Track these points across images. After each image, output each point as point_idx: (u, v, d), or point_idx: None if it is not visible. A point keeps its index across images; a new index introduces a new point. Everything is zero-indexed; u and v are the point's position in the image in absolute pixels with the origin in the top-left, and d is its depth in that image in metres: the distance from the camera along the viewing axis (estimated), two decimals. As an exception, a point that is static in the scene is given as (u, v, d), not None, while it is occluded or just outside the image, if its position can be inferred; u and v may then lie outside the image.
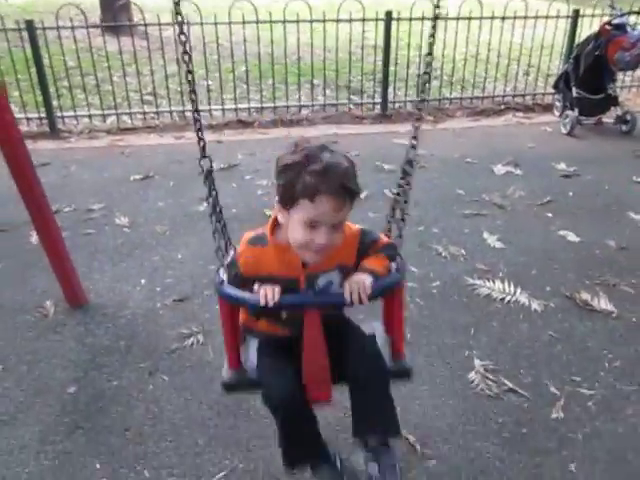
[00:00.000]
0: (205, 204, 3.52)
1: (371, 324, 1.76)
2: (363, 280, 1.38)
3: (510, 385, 2.22)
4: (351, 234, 1.48)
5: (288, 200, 1.34)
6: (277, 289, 1.35)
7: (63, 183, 4.30)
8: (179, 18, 1.48)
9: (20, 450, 1.94)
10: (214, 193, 1.55)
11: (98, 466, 1.87)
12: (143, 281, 2.96)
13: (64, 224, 3.49)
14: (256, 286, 1.38)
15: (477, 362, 2.34)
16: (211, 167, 1.51)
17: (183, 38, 1.49)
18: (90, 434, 2.00)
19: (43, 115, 5.64)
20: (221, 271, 1.48)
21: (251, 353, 1.62)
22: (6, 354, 2.41)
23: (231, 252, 1.58)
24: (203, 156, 1.51)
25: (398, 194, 1.65)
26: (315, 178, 1.28)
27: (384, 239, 1.57)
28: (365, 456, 1.60)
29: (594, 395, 2.18)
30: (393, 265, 1.50)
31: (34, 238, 3.34)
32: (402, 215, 1.60)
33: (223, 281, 1.45)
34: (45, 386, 2.23)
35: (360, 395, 1.51)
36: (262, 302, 1.33)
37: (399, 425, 1.55)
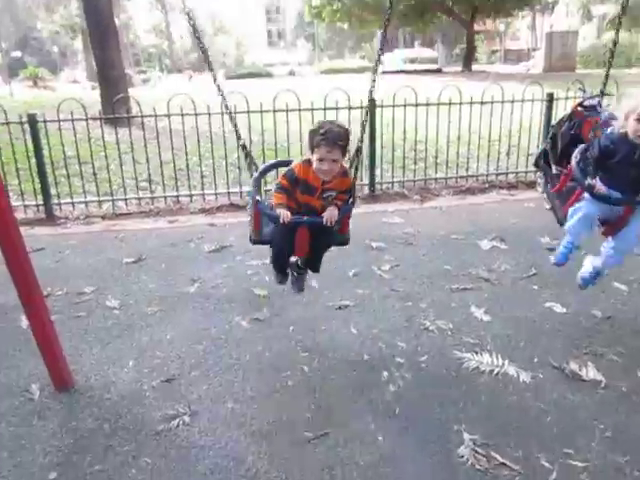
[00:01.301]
0: (196, 285, 3.60)
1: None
2: (335, 214, 2.59)
3: (500, 459, 2.18)
4: (350, 181, 2.71)
5: (311, 147, 2.55)
6: (288, 214, 2.54)
7: (56, 267, 4.36)
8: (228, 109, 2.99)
9: (-5, 541, 1.87)
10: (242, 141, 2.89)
11: None
12: (131, 362, 2.95)
13: (55, 307, 3.55)
14: (278, 210, 2.56)
15: (466, 436, 2.31)
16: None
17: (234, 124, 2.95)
18: (69, 522, 1.94)
19: (40, 202, 5.81)
20: (253, 191, 2.82)
21: (265, 228, 2.86)
22: (-12, 440, 2.37)
23: (290, 166, 2.70)
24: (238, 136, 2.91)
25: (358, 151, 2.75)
26: (320, 137, 2.48)
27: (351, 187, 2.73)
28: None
29: (587, 467, 2.14)
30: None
31: (24, 322, 3.36)
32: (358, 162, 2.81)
33: (259, 200, 2.74)
34: (26, 472, 2.18)
35: (313, 250, 2.80)
36: (281, 220, 2.54)
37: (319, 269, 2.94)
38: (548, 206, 5.71)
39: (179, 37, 61.76)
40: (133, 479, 2.13)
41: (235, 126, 2.89)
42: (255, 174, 2.85)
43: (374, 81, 2.81)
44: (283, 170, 2.75)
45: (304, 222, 2.59)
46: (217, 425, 2.43)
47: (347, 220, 2.85)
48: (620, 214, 2.99)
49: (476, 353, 2.95)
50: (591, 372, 2.75)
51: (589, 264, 3.19)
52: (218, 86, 2.89)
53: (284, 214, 2.52)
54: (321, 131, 2.48)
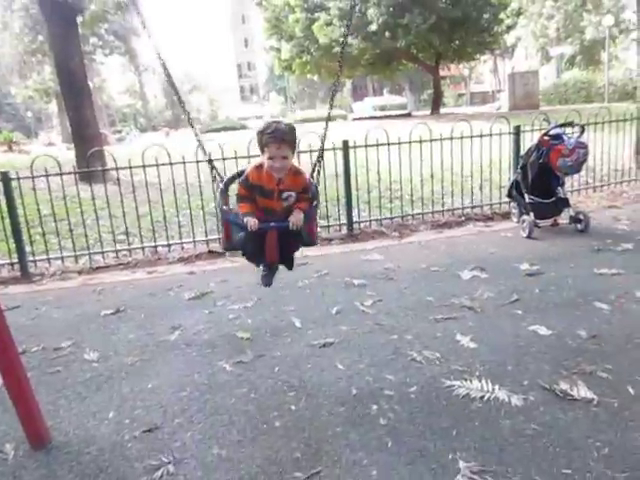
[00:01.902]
0: (177, 332, 3.55)
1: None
2: (300, 217, 2.74)
3: (499, 485, 2.11)
4: (304, 179, 2.80)
5: (260, 148, 2.67)
6: (255, 221, 2.69)
7: (32, 324, 4.24)
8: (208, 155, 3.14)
9: None
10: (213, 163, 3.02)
11: None
12: (111, 414, 2.83)
13: (31, 364, 3.43)
14: (245, 218, 2.69)
15: (462, 464, 2.24)
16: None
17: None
18: None
19: (15, 261, 5.70)
20: (220, 202, 2.97)
21: (234, 232, 2.95)
22: (-42, 506, 2.23)
23: (243, 175, 2.83)
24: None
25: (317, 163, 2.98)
26: (268, 136, 2.60)
27: (309, 189, 2.84)
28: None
29: (587, 487, 2.08)
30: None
31: (-2, 381, 3.24)
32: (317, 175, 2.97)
33: (224, 210, 2.94)
34: (-1, 537, 2.04)
35: (282, 253, 2.98)
36: (249, 228, 2.69)
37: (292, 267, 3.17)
38: (525, 234, 5.82)
39: (153, 96, 62.90)
40: (115, 535, 2.00)
41: (202, 147, 3.15)
42: (220, 186, 2.98)
43: (325, 127, 2.96)
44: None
45: (271, 228, 2.75)
46: (203, 473, 2.32)
47: (314, 222, 3.05)
48: None
49: (465, 380, 2.90)
50: (582, 391, 2.71)
51: None
52: (196, 134, 3.13)
53: (251, 222, 2.66)
54: (268, 130, 2.58)
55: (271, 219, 2.76)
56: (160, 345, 3.67)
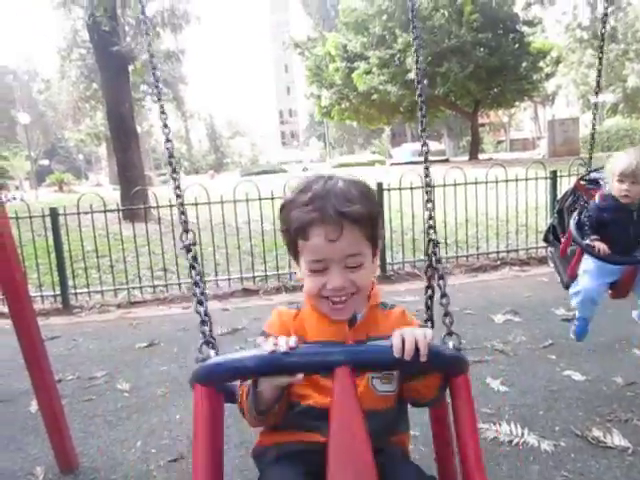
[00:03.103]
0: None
1: None
2: (421, 330, 1.06)
3: (524, 531, 2.05)
4: (408, 319, 1.35)
5: (291, 248, 1.18)
6: (294, 337, 1.06)
7: (70, 354, 4.38)
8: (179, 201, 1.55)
9: None
10: (197, 265, 1.43)
11: None
12: (139, 443, 2.88)
13: (65, 391, 3.52)
14: (259, 340, 1.14)
15: (488, 508, 2.18)
16: (194, 242, 1.44)
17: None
18: None
19: (57, 293, 5.93)
20: (204, 347, 1.28)
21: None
22: (-12, 524, 2.29)
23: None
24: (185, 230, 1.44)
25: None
26: (303, 210, 1.11)
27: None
28: None
29: (618, 538, 1.99)
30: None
31: (33, 407, 3.34)
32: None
33: (207, 357, 1.22)
34: None
35: None
36: (268, 350, 1.02)
37: None
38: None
39: (197, 141, 65.11)
40: None
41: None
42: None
43: None
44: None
45: (339, 355, 1.05)
46: (225, 504, 2.32)
47: (473, 436, 1.21)
48: (624, 275, 3.02)
49: (494, 423, 2.84)
50: (616, 438, 2.61)
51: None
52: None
53: (280, 339, 1.08)
54: (301, 199, 1.17)
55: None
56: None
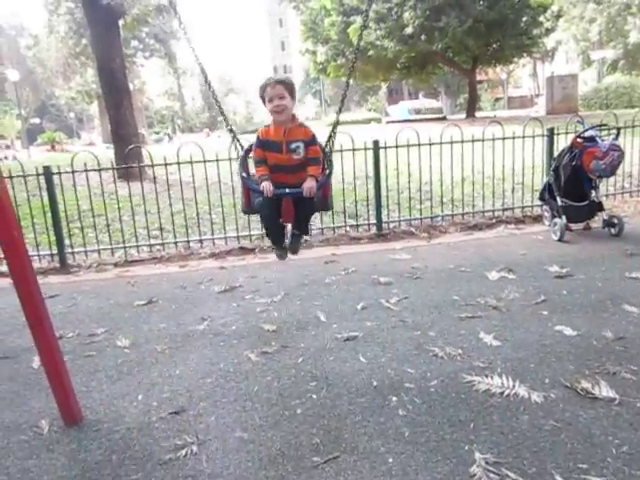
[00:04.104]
0: (206, 323, 3.62)
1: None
2: (313, 184, 3.01)
3: (513, 476, 2.13)
4: (308, 131, 3.14)
5: (263, 101, 3.08)
6: (271, 186, 3.00)
7: (69, 312, 4.43)
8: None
9: None
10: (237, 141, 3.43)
11: None
12: (140, 397, 2.95)
13: (66, 348, 3.58)
14: (262, 184, 3.00)
15: (478, 455, 2.27)
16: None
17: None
18: None
19: (54, 252, 5.94)
20: (240, 169, 3.29)
21: (254, 200, 3.31)
22: (-4, 474, 2.37)
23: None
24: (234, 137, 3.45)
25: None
26: (264, 83, 3.04)
27: (317, 149, 3.16)
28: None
29: (603, 482, 2.08)
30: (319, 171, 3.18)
31: (35, 363, 3.41)
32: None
33: (244, 175, 3.26)
34: (33, 504, 2.16)
35: (298, 216, 3.29)
36: (265, 194, 3.00)
37: (308, 231, 3.60)
38: (556, 237, 5.76)
39: (190, 99, 63.97)
40: (140, 507, 2.10)
41: (224, 115, 3.64)
42: (241, 153, 3.35)
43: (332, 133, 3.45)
44: None
45: (286, 194, 2.98)
46: (225, 453, 2.41)
47: (328, 189, 3.30)
48: None
49: (486, 376, 2.91)
50: (604, 390, 2.70)
51: None
52: (231, 128, 3.49)
53: (267, 188, 2.95)
54: (265, 81, 3.03)
55: (284, 180, 3.04)
56: (189, 334, 3.79)
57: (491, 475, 2.14)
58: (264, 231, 3.37)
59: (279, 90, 2.97)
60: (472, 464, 2.22)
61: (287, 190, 2.98)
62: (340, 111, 3.51)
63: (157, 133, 42.88)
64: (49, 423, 2.72)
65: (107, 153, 12.83)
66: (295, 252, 3.68)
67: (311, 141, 3.10)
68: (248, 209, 3.43)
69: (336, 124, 3.33)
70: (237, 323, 3.94)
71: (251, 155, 3.34)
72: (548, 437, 2.37)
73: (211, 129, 46.11)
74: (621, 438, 2.34)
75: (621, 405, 2.58)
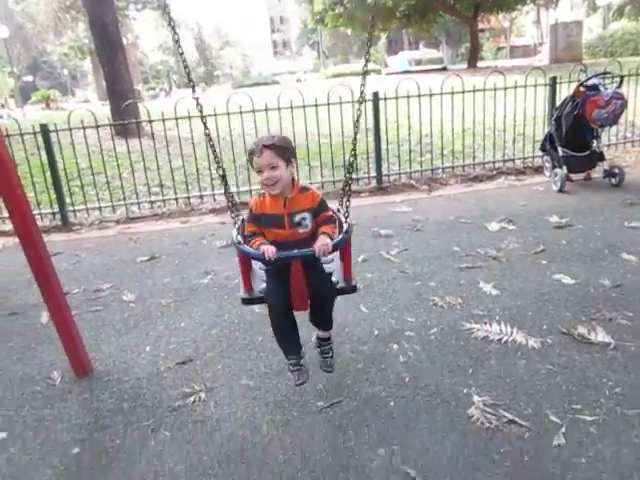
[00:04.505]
0: (209, 277, 3.66)
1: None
2: (327, 242, 2.19)
3: (510, 417, 2.22)
4: (315, 196, 2.34)
5: (252, 165, 2.32)
6: (274, 249, 2.16)
7: (74, 268, 4.48)
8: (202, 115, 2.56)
9: (23, 510, 1.95)
10: (226, 180, 2.62)
11: (99, 520, 1.87)
12: (148, 348, 3.04)
13: (73, 304, 3.64)
14: (262, 247, 2.19)
15: (476, 398, 2.35)
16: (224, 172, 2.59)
17: (207, 131, 2.54)
18: (92, 491, 2.01)
19: (56, 210, 5.96)
20: (234, 233, 2.41)
21: (256, 282, 2.54)
22: (14, 421, 2.46)
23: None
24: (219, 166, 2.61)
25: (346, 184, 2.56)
26: (250, 150, 2.29)
27: (330, 212, 2.38)
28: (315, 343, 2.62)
29: (596, 420, 2.17)
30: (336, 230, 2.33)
31: (44, 318, 3.49)
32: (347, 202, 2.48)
33: (240, 242, 2.33)
34: (50, 449, 2.26)
35: (316, 306, 2.36)
36: (266, 257, 2.14)
37: (331, 323, 2.49)
38: (556, 188, 5.75)
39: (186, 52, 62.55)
40: (152, 450, 2.20)
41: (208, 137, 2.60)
42: (237, 223, 2.55)
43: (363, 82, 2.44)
44: None
45: (293, 256, 2.18)
46: (232, 399, 2.50)
47: (347, 255, 2.46)
48: None
49: (485, 324, 2.98)
50: (600, 335, 2.77)
51: None
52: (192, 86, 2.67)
53: (269, 250, 2.14)
54: (251, 146, 2.30)
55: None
56: (193, 288, 3.85)
57: (488, 416, 2.23)
58: (274, 333, 2.39)
59: (268, 158, 2.23)
60: (470, 406, 2.31)
61: (295, 251, 2.19)
62: (367, 61, 2.60)
63: (153, 89, 42.13)
64: (61, 375, 2.81)
65: (103, 110, 12.65)
66: (329, 368, 2.54)
67: (320, 208, 2.33)
68: (249, 295, 2.49)
69: (365, 73, 2.51)
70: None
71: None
72: (544, 380, 2.45)
73: (208, 84, 45.29)
74: (615, 380, 2.41)
75: (616, 349, 2.65)
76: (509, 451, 2.04)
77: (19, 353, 3.11)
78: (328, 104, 6.23)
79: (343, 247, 2.39)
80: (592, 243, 4.10)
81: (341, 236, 2.28)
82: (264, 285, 2.44)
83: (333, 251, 2.24)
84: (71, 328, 2.83)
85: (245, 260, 2.48)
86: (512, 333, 2.86)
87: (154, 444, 2.24)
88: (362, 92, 2.46)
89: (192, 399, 2.51)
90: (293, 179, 2.35)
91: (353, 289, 2.48)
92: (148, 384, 2.68)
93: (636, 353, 2.61)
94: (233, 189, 6.34)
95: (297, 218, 2.29)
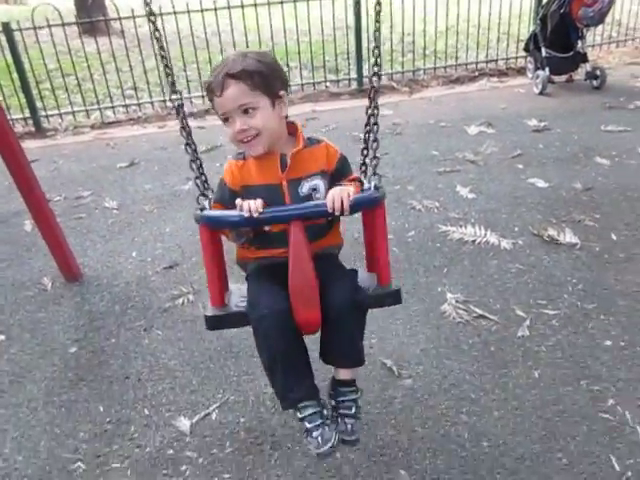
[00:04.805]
0: (190, 183, 3.61)
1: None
2: (346, 189, 1.37)
3: (480, 312, 2.39)
4: (332, 151, 1.55)
5: (215, 110, 1.50)
6: (259, 201, 1.35)
7: (52, 176, 4.44)
8: (151, 13, 1.57)
9: (29, 402, 2.10)
10: (188, 129, 1.55)
11: (102, 409, 2.04)
12: (134, 254, 3.12)
13: (56, 212, 3.61)
14: (238, 201, 1.37)
15: (449, 295, 2.51)
16: (182, 102, 1.56)
17: (157, 34, 1.57)
18: (93, 384, 2.17)
19: (27, 116, 5.78)
20: (200, 199, 1.50)
21: (233, 296, 1.58)
22: (10, 324, 2.58)
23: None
24: (173, 91, 1.55)
25: (367, 136, 1.60)
26: (210, 79, 1.44)
27: (354, 175, 1.60)
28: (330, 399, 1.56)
29: (558, 314, 2.35)
30: (367, 186, 1.48)
31: (27, 226, 3.52)
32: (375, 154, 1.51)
33: (204, 208, 1.47)
34: (48, 348, 2.39)
35: (333, 325, 1.42)
36: (246, 214, 1.33)
37: (362, 356, 1.51)
38: (537, 90, 5.72)
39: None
40: (146, 347, 2.34)
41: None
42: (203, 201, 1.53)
43: None
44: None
45: (292, 211, 1.39)
46: (219, 300, 2.62)
47: (381, 246, 1.56)
48: None
49: (460, 226, 3.11)
50: (568, 236, 2.91)
51: None
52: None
53: (251, 204, 1.34)
54: (209, 78, 1.46)
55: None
56: (175, 194, 3.88)
57: (460, 312, 2.40)
58: (267, 367, 1.46)
59: (237, 95, 1.40)
60: (443, 303, 2.47)
61: (291, 206, 1.43)
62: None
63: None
64: (51, 280, 2.90)
65: (66, 4, 11.83)
66: (351, 435, 1.51)
67: (340, 171, 1.55)
68: (220, 312, 1.53)
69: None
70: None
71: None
72: (513, 279, 2.62)
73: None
74: (578, 278, 2.59)
75: (582, 249, 2.81)
76: (477, 342, 2.22)
77: (7, 260, 3.17)
78: (307, 0, 5.94)
79: (372, 224, 1.55)
80: (568, 147, 4.17)
81: (370, 193, 1.45)
82: (244, 297, 1.53)
83: (354, 211, 1.39)
84: (58, 235, 2.87)
85: (214, 252, 1.52)
86: (486, 235, 2.99)
87: (147, 342, 2.38)
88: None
89: (181, 301, 2.64)
90: (290, 124, 1.54)
91: (396, 298, 1.55)
92: (137, 287, 2.79)
93: (600, 253, 2.78)
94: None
95: (305, 188, 1.48)
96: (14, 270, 3.05)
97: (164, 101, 6.16)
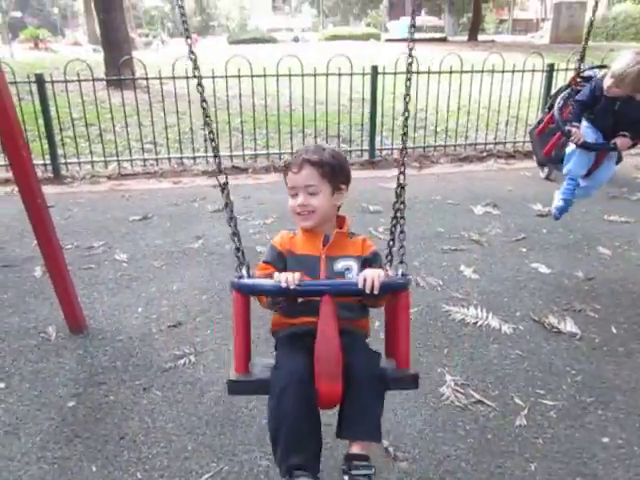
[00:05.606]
0: (200, 241, 3.71)
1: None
2: (377, 271, 1.54)
3: (478, 397, 2.40)
4: (368, 244, 1.80)
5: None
6: (297, 274, 1.52)
7: (66, 223, 4.55)
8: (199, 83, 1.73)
9: (22, 456, 2.09)
10: (230, 204, 1.75)
11: (94, 469, 2.02)
12: (140, 309, 3.16)
13: (67, 260, 3.71)
14: (275, 274, 1.56)
15: (448, 378, 2.52)
16: (227, 180, 1.74)
17: (204, 105, 1.71)
18: (88, 442, 2.16)
19: (48, 162, 5.96)
20: (239, 268, 1.66)
21: (256, 367, 1.66)
22: (11, 372, 2.59)
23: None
24: (219, 170, 1.75)
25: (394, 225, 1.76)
26: (290, 160, 1.80)
27: (385, 268, 1.71)
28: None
29: (556, 405, 2.35)
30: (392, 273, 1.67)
31: (37, 272, 3.58)
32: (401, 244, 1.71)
33: (242, 276, 1.62)
34: (46, 401, 2.39)
35: (355, 394, 1.53)
36: (284, 285, 1.48)
37: (379, 432, 1.61)
38: (543, 175, 5.89)
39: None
40: (144, 408, 2.34)
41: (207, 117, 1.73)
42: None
43: None
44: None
45: (326, 286, 1.56)
46: (221, 363, 2.64)
47: (403, 330, 1.67)
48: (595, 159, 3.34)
49: (463, 307, 3.15)
50: (568, 325, 2.95)
51: (558, 197, 3.62)
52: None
53: (289, 277, 1.50)
54: (291, 158, 1.81)
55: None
56: (184, 252, 3.95)
57: (458, 395, 2.41)
58: (274, 428, 1.53)
59: (308, 177, 1.70)
60: (442, 385, 2.48)
61: (325, 281, 1.64)
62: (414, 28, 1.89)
63: (146, 35, 40.98)
64: (55, 330, 2.93)
65: (95, 57, 12.41)
66: None
67: (372, 259, 1.75)
68: (242, 378, 1.62)
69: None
70: (230, 243, 4.08)
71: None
72: (512, 365, 2.64)
73: (202, 34, 44.19)
74: (577, 369, 2.60)
75: (582, 340, 2.84)
76: (474, 428, 2.22)
77: (14, 306, 3.21)
78: (327, 74, 6.23)
79: (397, 308, 1.66)
80: (571, 234, 4.27)
81: (398, 278, 1.63)
82: (266, 368, 1.64)
83: (383, 294, 1.52)
84: (67, 282, 2.91)
85: (245, 319, 1.62)
86: (487, 318, 3.03)
87: (146, 402, 2.38)
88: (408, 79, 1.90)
89: (182, 361, 2.65)
90: (338, 217, 1.81)
91: (413, 383, 1.68)
92: (140, 344, 2.81)
93: (599, 345, 2.80)
94: (226, 152, 6.40)
95: (340, 265, 1.69)
96: (20, 316, 3.09)
97: (181, 158, 6.36)
